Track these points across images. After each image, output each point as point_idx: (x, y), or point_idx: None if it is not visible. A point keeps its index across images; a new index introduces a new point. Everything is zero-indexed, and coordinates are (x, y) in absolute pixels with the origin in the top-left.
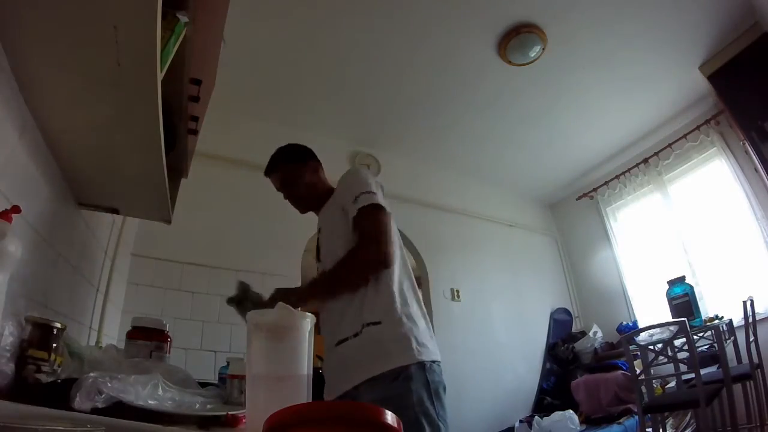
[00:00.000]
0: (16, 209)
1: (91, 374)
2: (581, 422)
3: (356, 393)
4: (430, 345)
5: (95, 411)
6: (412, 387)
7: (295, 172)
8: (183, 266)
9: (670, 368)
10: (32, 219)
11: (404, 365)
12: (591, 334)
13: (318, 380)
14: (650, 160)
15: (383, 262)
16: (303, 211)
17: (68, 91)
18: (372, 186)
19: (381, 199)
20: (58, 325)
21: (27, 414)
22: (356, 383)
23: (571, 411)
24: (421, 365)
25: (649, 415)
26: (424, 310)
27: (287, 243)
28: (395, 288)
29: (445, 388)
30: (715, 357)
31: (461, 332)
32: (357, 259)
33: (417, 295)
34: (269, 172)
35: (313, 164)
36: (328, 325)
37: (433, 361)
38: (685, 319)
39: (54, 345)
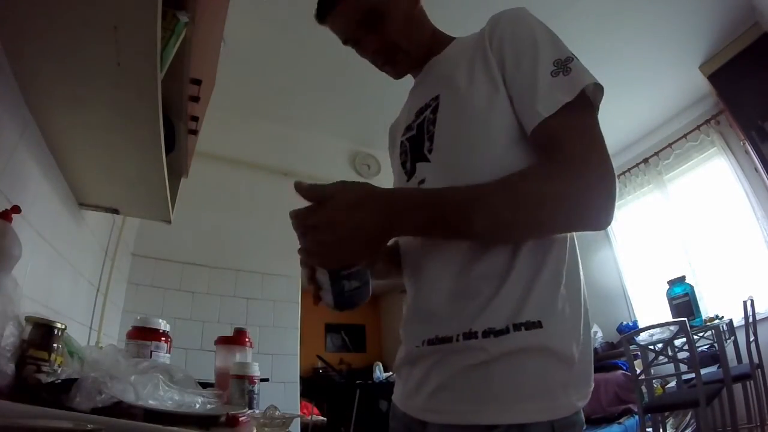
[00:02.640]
0: (16, 209)
1: (91, 374)
2: None
3: None
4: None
5: (95, 411)
6: None
7: None
8: (183, 266)
9: (670, 368)
10: (32, 219)
11: (569, 414)
12: (591, 333)
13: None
14: (650, 159)
15: (608, 210)
16: (402, 70)
17: (68, 91)
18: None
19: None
20: (58, 325)
21: (27, 414)
22: (488, 422)
23: None
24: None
25: (649, 415)
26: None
27: (287, 243)
28: (564, 266)
29: None
30: (715, 357)
31: None
32: (572, 181)
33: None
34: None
35: None
36: (426, 290)
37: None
38: (686, 319)
39: (54, 345)
